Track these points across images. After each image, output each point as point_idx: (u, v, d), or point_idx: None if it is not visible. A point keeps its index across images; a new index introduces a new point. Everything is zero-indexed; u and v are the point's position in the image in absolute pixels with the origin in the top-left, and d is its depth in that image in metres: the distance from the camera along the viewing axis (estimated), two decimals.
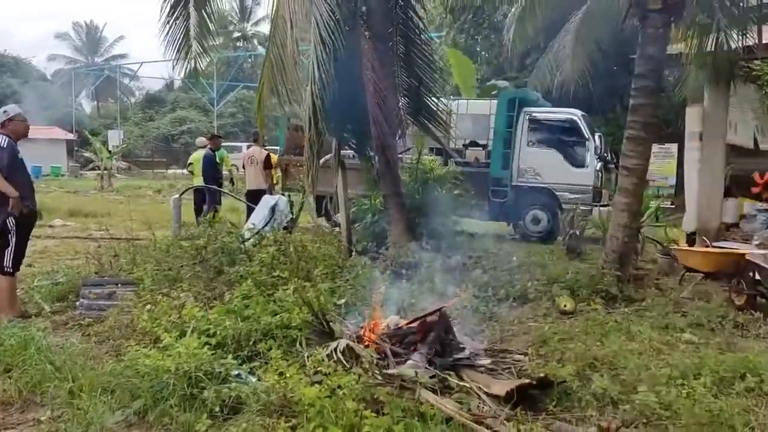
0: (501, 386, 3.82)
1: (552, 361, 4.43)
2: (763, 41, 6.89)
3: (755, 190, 10.00)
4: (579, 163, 11.16)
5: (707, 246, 7.74)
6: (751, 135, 9.62)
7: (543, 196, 11.30)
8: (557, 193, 11.16)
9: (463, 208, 9.48)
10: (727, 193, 9.48)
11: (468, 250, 7.90)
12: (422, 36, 8.68)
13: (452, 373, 4.11)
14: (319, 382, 3.35)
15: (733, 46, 7.08)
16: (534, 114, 11.57)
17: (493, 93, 15.35)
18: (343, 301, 5.23)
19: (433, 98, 8.91)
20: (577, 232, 9.07)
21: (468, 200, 9.67)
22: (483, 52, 21.70)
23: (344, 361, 3.69)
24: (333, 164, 8.40)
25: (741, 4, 6.58)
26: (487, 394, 3.77)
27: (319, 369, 3.53)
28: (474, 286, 6.35)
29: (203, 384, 3.47)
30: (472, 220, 10.71)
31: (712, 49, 7.18)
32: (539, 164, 11.37)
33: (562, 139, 11.41)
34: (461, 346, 4.54)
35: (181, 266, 6.33)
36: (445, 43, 19.38)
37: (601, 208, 10.42)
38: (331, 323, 4.27)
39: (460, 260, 7.31)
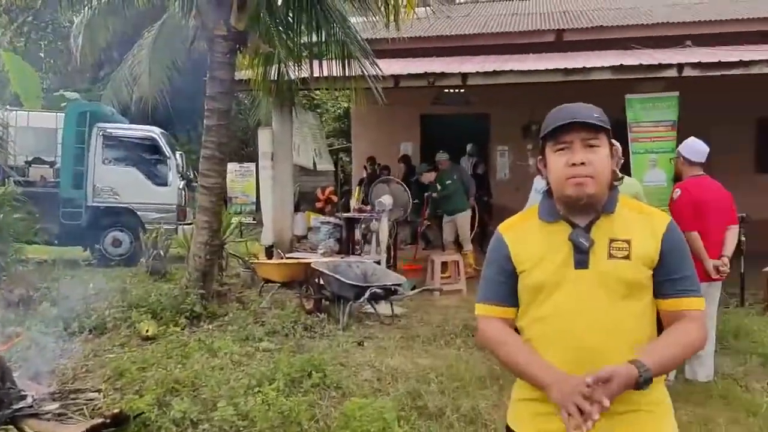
0: None
1: (130, 393, 4.19)
2: (315, 75, 7.87)
3: (319, 204, 11.40)
4: (161, 182, 11.00)
5: (281, 258, 8.45)
6: (311, 156, 10.91)
7: (123, 217, 10.78)
8: (139, 213, 10.77)
9: (28, 234, 8.36)
10: (297, 208, 10.57)
11: (34, 281, 6.98)
12: None
13: (11, 426, 3.55)
14: None
15: (293, 76, 7.92)
16: (109, 130, 10.93)
17: (63, 105, 13.99)
18: None
19: None
20: (161, 253, 8.90)
21: (33, 224, 8.56)
22: (49, 60, 19.60)
23: None
24: None
25: (296, 39, 7.42)
26: None
27: None
28: (41, 321, 5.63)
29: None
30: (40, 246, 9.53)
31: (275, 78, 7.90)
32: (117, 183, 10.80)
33: (142, 157, 11.08)
34: (23, 393, 3.93)
35: None
36: (1, 46, 16.88)
37: (185, 227, 10.45)
38: None
39: (24, 294, 6.41)
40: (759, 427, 3.93)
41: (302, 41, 7.59)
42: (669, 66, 8.07)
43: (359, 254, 9.03)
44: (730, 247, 4.91)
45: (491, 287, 1.80)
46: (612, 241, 1.66)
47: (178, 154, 11.42)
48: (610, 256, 1.65)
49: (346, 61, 7.62)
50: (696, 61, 8.10)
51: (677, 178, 5.28)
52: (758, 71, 7.91)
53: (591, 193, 1.64)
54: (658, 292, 1.69)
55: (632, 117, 8.22)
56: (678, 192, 4.92)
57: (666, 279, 1.67)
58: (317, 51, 7.95)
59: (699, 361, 4.77)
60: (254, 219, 13.76)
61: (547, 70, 8.33)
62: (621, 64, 8.20)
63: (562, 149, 1.68)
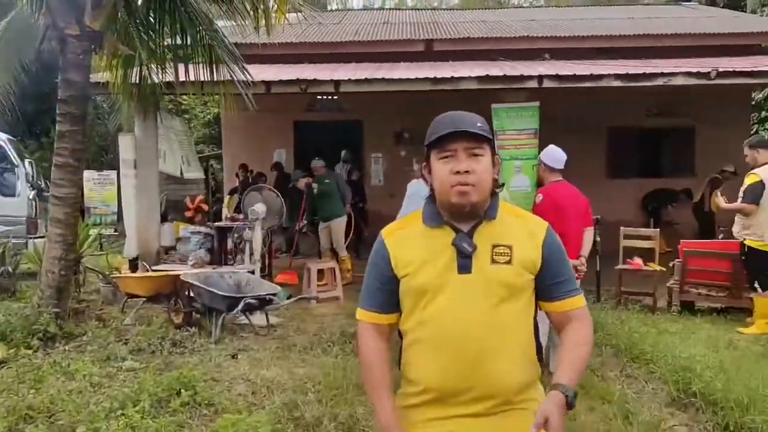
0: None
1: None
2: (181, 79, 7.52)
3: (188, 214, 10.92)
4: (8, 192, 10.06)
5: (147, 270, 7.98)
6: (179, 164, 10.45)
7: None
8: None
9: None
10: (164, 218, 10.07)
11: None
12: None
13: None
14: None
15: (156, 80, 7.52)
16: None
17: None
18: None
19: None
20: (10, 269, 8.14)
21: None
22: None
23: None
24: None
25: (159, 41, 7.03)
26: None
27: None
28: None
29: None
30: None
31: (137, 81, 7.45)
32: None
33: None
34: None
35: None
36: None
37: (37, 241, 9.61)
38: None
39: None
40: (613, 412, 4.22)
41: (166, 43, 7.20)
42: (530, 77, 8.55)
43: (232, 264, 8.74)
44: (586, 247, 5.27)
45: (371, 293, 1.82)
46: (495, 246, 1.73)
47: (27, 162, 10.50)
48: (493, 261, 1.71)
49: (214, 66, 7.34)
50: (554, 73, 8.64)
51: (539, 183, 5.59)
52: (606, 84, 8.59)
53: (474, 201, 1.69)
54: (545, 296, 1.79)
55: (498, 125, 8.63)
56: (540, 197, 5.21)
57: (551, 283, 1.76)
58: (183, 54, 7.59)
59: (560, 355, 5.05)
60: (116, 230, 12.95)
61: (417, 79, 8.52)
62: (487, 75, 8.57)
63: (446, 157, 1.71)
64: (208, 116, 19.74)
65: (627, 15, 14.78)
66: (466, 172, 1.69)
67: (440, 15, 16.06)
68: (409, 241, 1.78)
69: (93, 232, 8.80)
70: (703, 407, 4.32)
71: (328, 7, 20.92)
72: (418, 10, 18.72)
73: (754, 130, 15.38)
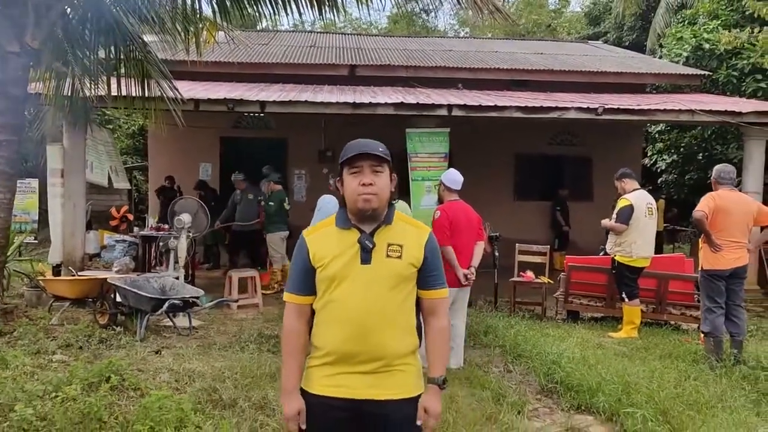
0: None
1: None
2: (113, 93, 7.86)
3: (113, 222, 11.18)
4: None
5: (74, 275, 8.26)
6: (106, 174, 10.68)
7: None
8: None
9: None
10: (89, 227, 10.30)
11: None
12: None
13: None
14: None
15: (88, 93, 7.83)
16: None
17: None
18: None
19: None
20: None
21: None
22: None
23: None
24: None
25: (92, 57, 7.37)
26: None
27: None
28: None
29: None
30: None
31: (69, 94, 7.74)
32: None
33: None
34: None
35: None
36: None
37: None
38: None
39: None
40: (487, 396, 4.98)
41: (99, 56, 7.51)
42: (440, 106, 9.36)
43: (157, 272, 9.08)
44: (476, 259, 6.06)
45: (294, 279, 2.36)
46: (389, 244, 2.23)
47: None
48: (387, 255, 2.22)
49: (146, 82, 7.73)
50: (462, 103, 9.50)
51: (440, 201, 6.38)
52: (509, 115, 9.54)
53: (375, 206, 2.25)
54: (422, 285, 2.30)
55: (411, 148, 9.42)
56: (438, 213, 5.98)
57: (427, 276, 2.30)
58: (116, 69, 7.91)
59: (453, 352, 5.77)
60: (36, 237, 12.88)
61: (337, 103, 9.17)
62: (401, 102, 9.32)
63: (355, 172, 2.23)
64: (133, 128, 19.75)
65: (537, 50, 15.97)
66: (370, 184, 2.18)
67: (364, 41, 16.87)
68: (324, 240, 2.26)
69: (16, 239, 8.95)
70: (562, 392, 5.16)
71: (258, 26, 21.36)
72: (344, 34, 19.49)
73: (653, 160, 16.70)
